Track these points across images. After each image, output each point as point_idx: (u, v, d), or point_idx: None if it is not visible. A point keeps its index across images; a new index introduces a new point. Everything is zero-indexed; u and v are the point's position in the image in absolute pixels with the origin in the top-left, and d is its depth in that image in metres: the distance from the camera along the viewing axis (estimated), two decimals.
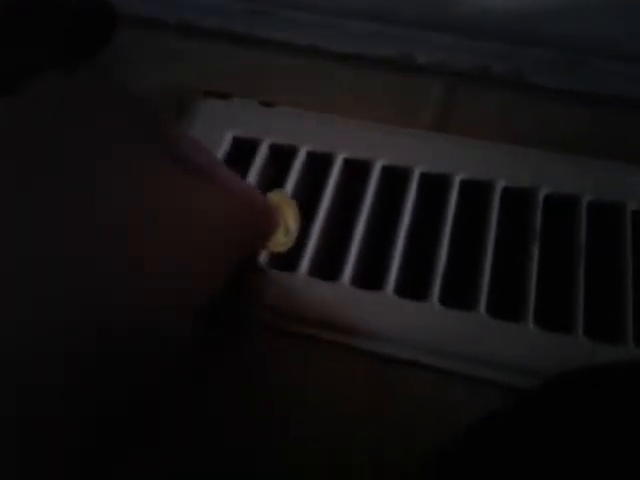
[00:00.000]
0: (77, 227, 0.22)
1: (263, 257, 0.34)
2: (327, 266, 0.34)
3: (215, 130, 0.39)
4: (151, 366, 0.24)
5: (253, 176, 0.37)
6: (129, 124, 0.25)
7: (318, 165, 0.38)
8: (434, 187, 0.37)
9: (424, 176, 0.37)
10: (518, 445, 0.19)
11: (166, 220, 0.24)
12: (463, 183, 0.37)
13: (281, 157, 0.39)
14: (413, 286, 0.33)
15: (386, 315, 0.32)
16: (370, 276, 0.34)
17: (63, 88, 0.26)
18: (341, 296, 0.32)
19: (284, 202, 0.33)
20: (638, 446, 0.17)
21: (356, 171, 0.38)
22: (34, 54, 0.42)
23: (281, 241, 0.32)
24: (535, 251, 0.34)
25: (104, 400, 0.22)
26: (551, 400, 0.20)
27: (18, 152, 0.23)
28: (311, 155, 0.38)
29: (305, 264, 0.34)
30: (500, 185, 0.36)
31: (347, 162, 0.38)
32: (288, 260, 0.34)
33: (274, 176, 0.39)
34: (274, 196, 0.32)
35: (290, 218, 0.32)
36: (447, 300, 0.32)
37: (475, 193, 0.36)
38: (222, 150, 0.38)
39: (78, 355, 0.21)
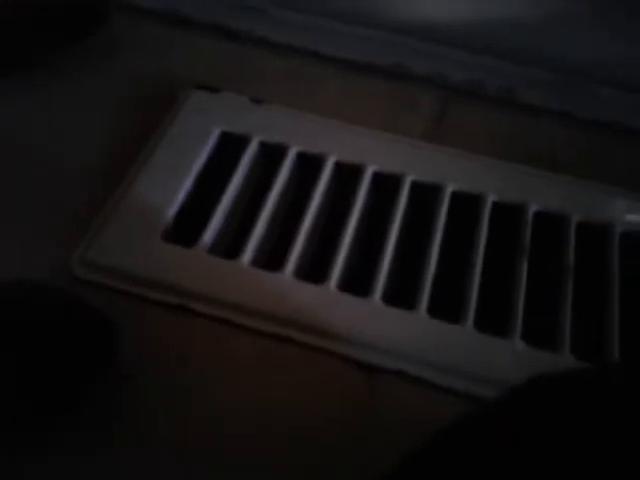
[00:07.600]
0: None
1: (247, 257, 0.33)
2: (314, 269, 0.33)
3: (203, 123, 0.38)
4: None
5: (241, 173, 0.36)
6: None
7: (308, 166, 0.37)
8: (425, 196, 0.36)
9: (415, 185, 0.37)
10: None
11: None
12: (454, 195, 0.36)
13: (270, 155, 0.38)
14: (401, 295, 0.32)
15: (373, 322, 0.31)
16: (357, 282, 0.33)
17: None
18: (327, 300, 0.32)
19: None
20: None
21: (347, 175, 0.37)
22: (31, 35, 0.40)
23: None
24: (524, 267, 0.33)
25: None
26: (513, 411, 0.20)
27: None
28: (301, 156, 0.37)
29: (291, 266, 0.33)
30: (490, 199, 0.36)
31: (338, 165, 0.37)
32: (274, 261, 0.33)
33: (262, 174, 0.38)
34: None
35: None
36: (435, 311, 0.32)
37: (465, 205, 0.36)
38: (210, 144, 0.37)
39: None
